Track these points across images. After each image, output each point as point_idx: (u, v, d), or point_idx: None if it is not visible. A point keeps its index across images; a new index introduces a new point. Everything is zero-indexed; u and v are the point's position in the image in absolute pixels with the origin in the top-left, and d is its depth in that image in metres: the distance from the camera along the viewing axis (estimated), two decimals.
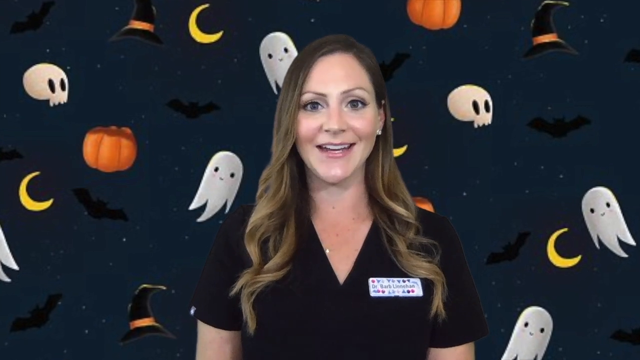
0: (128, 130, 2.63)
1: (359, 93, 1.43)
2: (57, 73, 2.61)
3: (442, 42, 2.63)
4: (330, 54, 1.43)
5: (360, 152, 1.44)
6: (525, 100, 2.63)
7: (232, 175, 2.64)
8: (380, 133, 1.49)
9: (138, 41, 2.62)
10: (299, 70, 1.43)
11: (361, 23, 2.59)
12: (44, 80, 2.60)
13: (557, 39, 2.62)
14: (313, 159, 1.43)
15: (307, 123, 1.42)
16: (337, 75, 1.42)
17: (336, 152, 1.42)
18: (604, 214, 2.62)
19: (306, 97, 1.42)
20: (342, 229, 1.48)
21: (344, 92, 1.41)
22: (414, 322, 1.42)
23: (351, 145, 1.43)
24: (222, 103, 2.64)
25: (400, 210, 1.46)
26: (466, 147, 2.64)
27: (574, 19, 2.63)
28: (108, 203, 2.63)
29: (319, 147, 1.43)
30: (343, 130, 1.41)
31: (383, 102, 1.49)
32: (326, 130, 1.41)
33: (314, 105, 1.43)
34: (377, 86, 1.46)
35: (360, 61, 1.45)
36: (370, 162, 1.49)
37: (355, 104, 1.43)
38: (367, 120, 1.43)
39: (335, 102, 1.41)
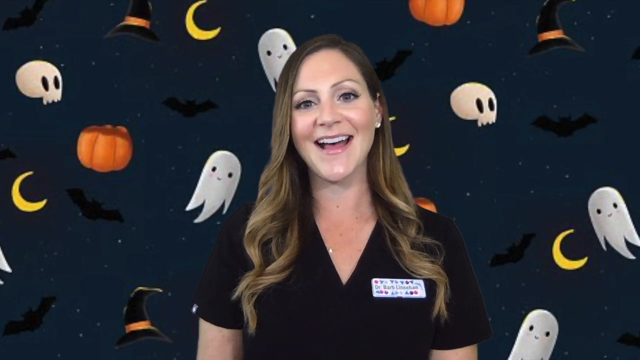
0: (123, 129, 2.63)
1: (349, 84, 1.44)
2: (50, 70, 2.60)
3: (445, 38, 2.63)
4: (315, 52, 1.46)
5: (359, 145, 1.44)
6: (530, 98, 2.63)
7: (230, 175, 2.63)
8: (378, 126, 1.50)
9: (134, 38, 2.62)
10: (288, 72, 1.46)
11: (362, 19, 2.59)
12: (38, 78, 2.60)
13: (563, 36, 2.61)
14: (314, 157, 1.44)
15: (302, 120, 1.44)
16: (325, 70, 1.44)
17: (335, 146, 1.43)
18: (610, 214, 2.61)
19: (298, 96, 1.44)
20: (345, 229, 1.49)
21: (333, 85, 1.43)
22: (416, 323, 1.42)
23: (349, 138, 1.44)
24: (219, 101, 2.63)
25: (402, 205, 1.47)
26: (470, 147, 2.65)
27: (580, 15, 2.62)
28: (103, 203, 2.62)
29: (317, 143, 1.44)
30: (338, 122, 1.42)
31: (378, 95, 1.51)
32: (321, 124, 1.43)
33: (307, 103, 1.45)
34: (368, 78, 1.48)
35: (347, 55, 1.47)
36: (371, 156, 1.50)
37: (347, 96, 1.45)
38: (361, 110, 1.44)
39: (326, 96, 1.43)
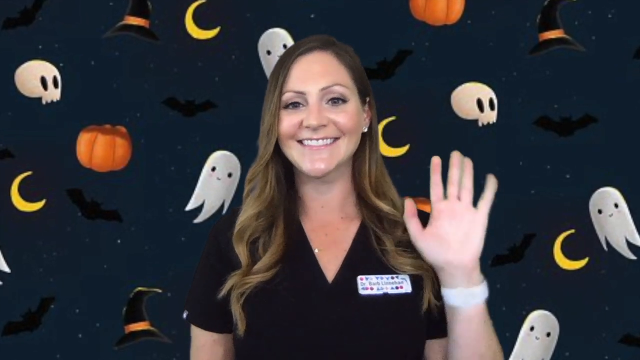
0: (123, 129, 2.62)
1: (338, 89, 1.45)
2: (49, 70, 2.59)
3: (446, 38, 2.62)
4: (308, 53, 1.47)
5: (344, 147, 1.45)
6: (531, 98, 2.62)
7: (229, 175, 2.62)
8: (365, 130, 1.51)
9: (133, 37, 2.61)
10: (279, 71, 1.47)
11: (362, 19, 2.59)
12: (37, 78, 2.59)
13: (564, 35, 2.60)
14: (295, 153, 1.45)
15: (289, 119, 1.45)
16: (315, 73, 1.45)
17: (319, 146, 1.44)
18: (611, 214, 2.60)
19: (287, 96, 1.45)
20: (331, 229, 1.51)
21: (323, 88, 1.44)
22: (403, 318, 1.43)
23: (335, 140, 1.45)
24: (219, 101, 2.62)
25: (387, 209, 1.48)
26: (470, 147, 2.59)
27: (581, 14, 2.61)
28: (102, 204, 2.61)
29: (300, 142, 1.45)
30: (324, 126, 1.43)
31: (368, 99, 1.51)
32: (306, 127, 1.43)
33: (295, 104, 1.46)
34: (358, 83, 1.48)
35: (339, 58, 1.47)
36: (356, 160, 1.51)
37: (336, 100, 1.46)
38: (348, 114, 1.45)
39: (314, 99, 1.44)
